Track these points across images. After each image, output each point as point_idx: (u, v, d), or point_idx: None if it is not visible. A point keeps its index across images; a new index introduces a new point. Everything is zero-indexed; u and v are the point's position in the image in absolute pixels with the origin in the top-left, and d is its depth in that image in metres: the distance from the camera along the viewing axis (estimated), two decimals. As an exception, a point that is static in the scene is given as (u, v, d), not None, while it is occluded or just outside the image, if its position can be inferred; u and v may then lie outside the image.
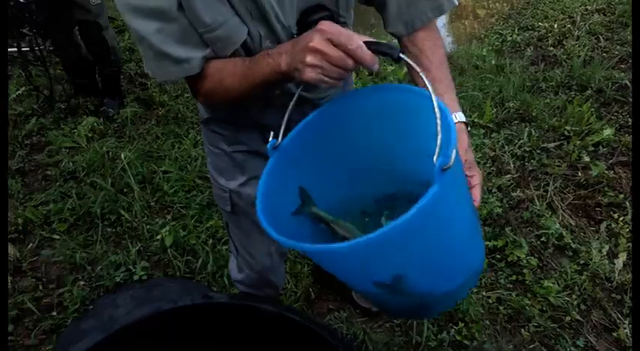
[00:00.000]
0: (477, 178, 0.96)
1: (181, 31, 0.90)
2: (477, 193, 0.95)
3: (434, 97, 0.70)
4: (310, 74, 0.78)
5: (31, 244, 2.20)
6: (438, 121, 0.68)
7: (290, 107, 0.88)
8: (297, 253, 2.07)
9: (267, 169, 0.86)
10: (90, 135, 2.87)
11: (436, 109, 0.69)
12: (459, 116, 0.99)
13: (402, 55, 0.75)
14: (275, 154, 0.87)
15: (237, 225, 1.34)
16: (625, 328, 1.77)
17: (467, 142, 0.98)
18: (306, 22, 0.94)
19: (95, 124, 2.95)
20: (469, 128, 1.01)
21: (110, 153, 2.73)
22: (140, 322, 1.01)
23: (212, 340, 1.05)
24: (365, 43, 0.76)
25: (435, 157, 0.65)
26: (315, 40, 0.76)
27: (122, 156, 2.60)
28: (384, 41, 0.79)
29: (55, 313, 1.90)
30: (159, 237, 2.16)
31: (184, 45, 0.91)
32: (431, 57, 1.02)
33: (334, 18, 0.94)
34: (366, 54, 0.75)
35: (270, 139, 0.87)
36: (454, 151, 0.65)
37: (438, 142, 0.66)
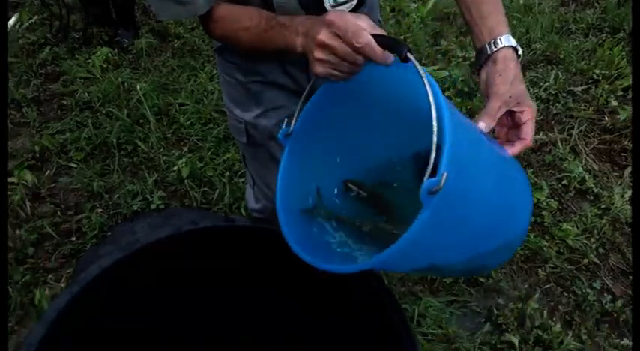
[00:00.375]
0: (528, 113, 0.86)
1: None
2: (527, 131, 0.86)
3: (434, 112, 0.61)
4: (319, 69, 0.75)
5: (48, 172, 2.21)
6: (434, 138, 0.59)
7: (303, 97, 0.83)
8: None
9: (282, 166, 0.83)
10: (105, 65, 2.81)
11: (434, 122, 0.59)
12: (504, 40, 0.88)
13: (409, 55, 0.66)
14: (289, 142, 0.83)
15: (254, 156, 1.31)
16: (642, 272, 1.76)
17: (514, 73, 0.87)
18: None
19: (110, 54, 2.88)
20: (520, 53, 0.90)
21: (125, 84, 2.69)
22: (160, 242, 1.00)
23: (233, 260, 1.05)
24: (373, 36, 0.69)
25: (425, 178, 0.58)
26: (322, 33, 0.72)
27: (138, 87, 2.56)
28: (394, 37, 0.72)
29: (74, 238, 1.93)
30: (175, 168, 2.16)
31: None
32: None
33: None
34: (376, 50, 0.69)
35: (284, 126, 0.83)
36: (445, 174, 0.57)
37: (431, 161, 0.58)
